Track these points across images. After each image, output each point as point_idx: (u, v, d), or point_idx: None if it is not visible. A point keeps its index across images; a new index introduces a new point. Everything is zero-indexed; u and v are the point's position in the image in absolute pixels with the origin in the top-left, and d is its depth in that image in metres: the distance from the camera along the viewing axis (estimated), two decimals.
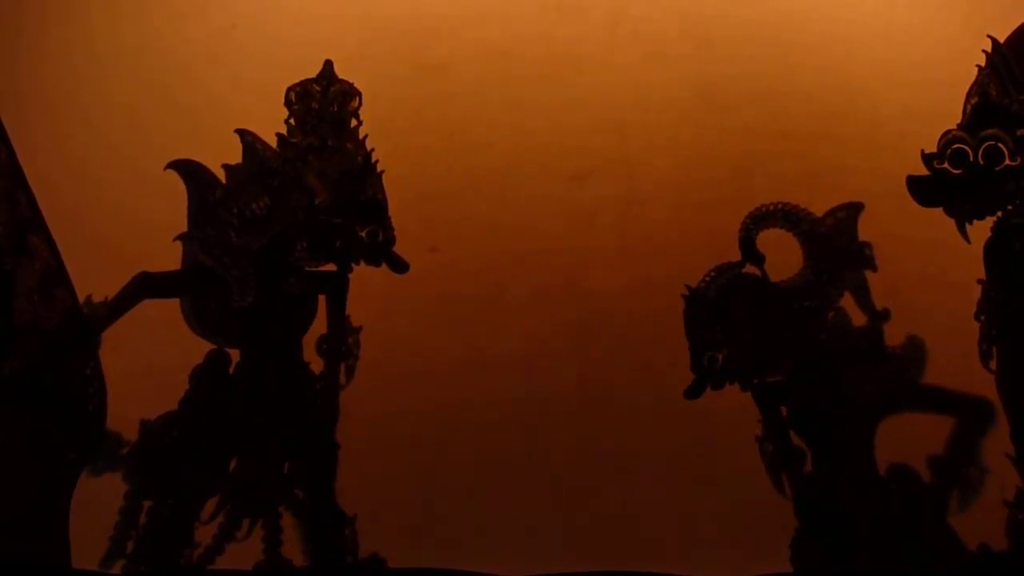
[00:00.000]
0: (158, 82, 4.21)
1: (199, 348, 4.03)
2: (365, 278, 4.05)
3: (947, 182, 3.77)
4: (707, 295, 3.89)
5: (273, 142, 4.05)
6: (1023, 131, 3.75)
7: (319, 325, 4.05)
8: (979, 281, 3.83)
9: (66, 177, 4.11)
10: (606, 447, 4.00)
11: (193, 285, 4.03)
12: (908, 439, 3.92)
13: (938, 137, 3.83)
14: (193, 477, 3.97)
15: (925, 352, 3.93)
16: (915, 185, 3.80)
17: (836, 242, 3.95)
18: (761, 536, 3.91)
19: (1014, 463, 3.80)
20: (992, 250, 3.80)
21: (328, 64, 4.06)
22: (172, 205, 4.04)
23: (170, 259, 4.05)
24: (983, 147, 3.75)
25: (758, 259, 3.91)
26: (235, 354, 4.03)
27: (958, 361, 3.89)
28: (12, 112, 4.06)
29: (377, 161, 4.03)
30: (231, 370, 4.02)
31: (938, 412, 3.92)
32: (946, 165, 3.77)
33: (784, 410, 3.91)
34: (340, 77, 4.07)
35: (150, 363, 4.00)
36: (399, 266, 4.00)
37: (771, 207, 3.93)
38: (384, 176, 4.04)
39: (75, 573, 3.91)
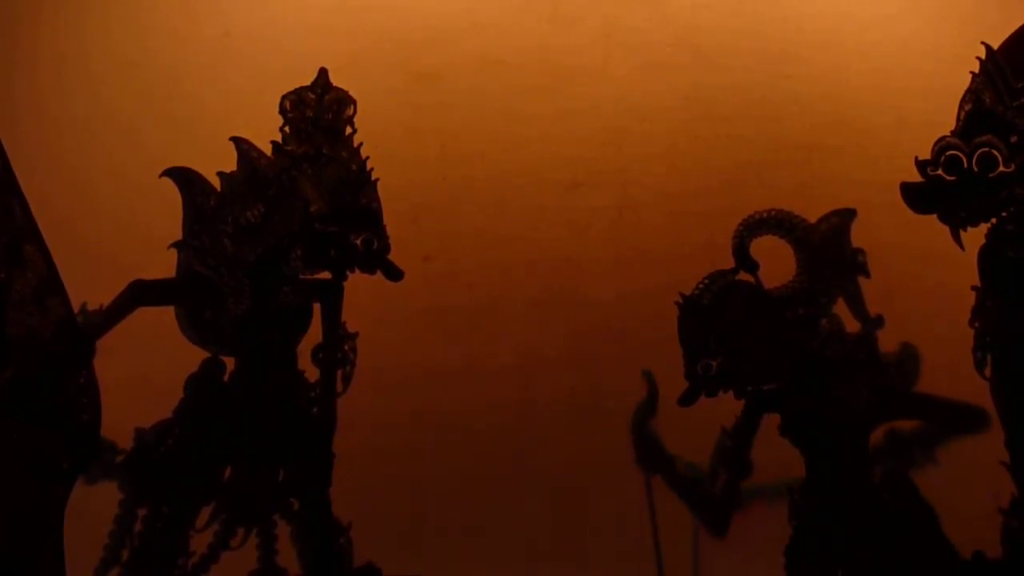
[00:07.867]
0: (152, 91, 4.23)
1: (194, 356, 4.01)
2: (359, 287, 4.05)
3: (941, 189, 3.76)
4: (701, 302, 3.86)
5: (268, 150, 4.04)
6: (1017, 137, 3.75)
7: (314, 333, 4.05)
8: (973, 288, 3.82)
9: (61, 186, 4.12)
10: (600, 455, 4.01)
11: (188, 293, 4.01)
12: (902, 446, 3.92)
13: (931, 145, 3.83)
14: (188, 485, 3.95)
15: (919, 359, 3.93)
16: (909, 192, 3.78)
17: (830, 249, 3.94)
18: (756, 543, 3.90)
19: (1009, 470, 3.79)
20: (986, 257, 3.78)
21: (323, 72, 4.01)
22: (167, 213, 4.03)
23: (165, 267, 4.04)
24: (977, 154, 3.74)
25: (752, 266, 3.90)
26: (230, 362, 4.02)
27: (952, 368, 3.87)
28: (6, 121, 4.07)
29: (372, 169, 4.02)
30: (226, 378, 4.00)
31: (932, 419, 3.92)
32: (940, 172, 3.76)
33: (779, 418, 3.91)
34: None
35: (145, 371, 4.01)
36: (394, 275, 3.98)
37: (764, 214, 3.91)
38: (378, 185, 4.03)
39: None
